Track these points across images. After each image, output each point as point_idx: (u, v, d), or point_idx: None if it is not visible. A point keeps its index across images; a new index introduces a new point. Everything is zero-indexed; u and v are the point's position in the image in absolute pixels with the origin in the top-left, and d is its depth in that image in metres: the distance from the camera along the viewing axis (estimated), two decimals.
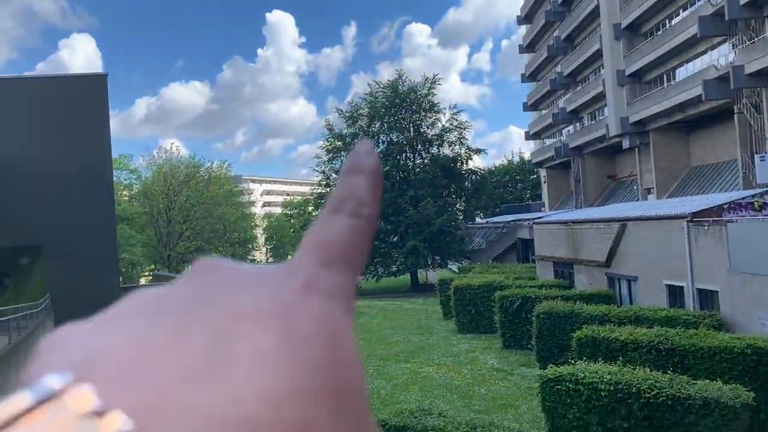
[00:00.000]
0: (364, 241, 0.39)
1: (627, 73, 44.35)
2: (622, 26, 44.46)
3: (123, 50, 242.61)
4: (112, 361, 0.29)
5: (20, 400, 0.26)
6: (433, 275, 58.54)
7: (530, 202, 76.98)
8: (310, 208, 75.34)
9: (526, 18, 70.37)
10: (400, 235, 54.29)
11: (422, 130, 57.79)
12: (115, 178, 58.85)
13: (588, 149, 54.56)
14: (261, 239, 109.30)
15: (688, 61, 39.02)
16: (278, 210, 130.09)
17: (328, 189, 60.08)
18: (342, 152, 58.97)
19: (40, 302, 13.96)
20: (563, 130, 62.44)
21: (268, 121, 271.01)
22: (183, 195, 73.08)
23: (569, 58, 55.94)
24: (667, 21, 40.79)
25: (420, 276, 61.12)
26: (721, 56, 34.91)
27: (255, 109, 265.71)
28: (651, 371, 12.43)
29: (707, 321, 17.54)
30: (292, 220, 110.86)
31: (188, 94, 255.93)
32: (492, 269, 38.33)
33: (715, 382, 11.68)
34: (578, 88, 55.67)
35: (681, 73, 39.86)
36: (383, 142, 58.51)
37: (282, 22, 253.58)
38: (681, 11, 38.86)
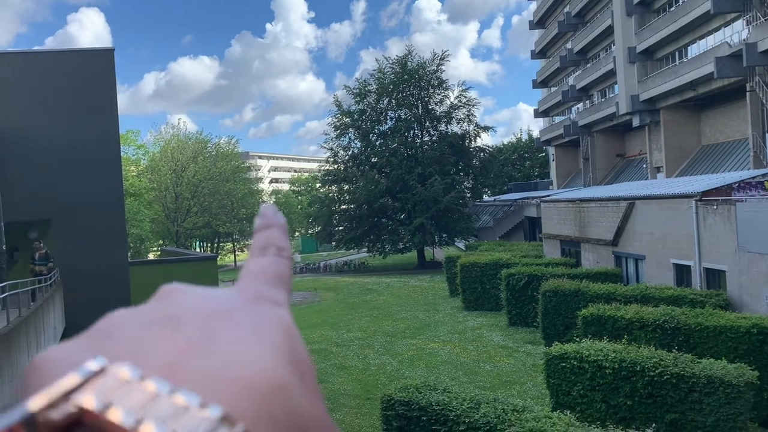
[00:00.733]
0: (288, 271, 0.49)
1: (638, 50, 43.80)
2: (635, 2, 43.81)
3: (132, 25, 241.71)
4: (122, 350, 0.36)
5: (70, 379, 0.30)
6: (440, 253, 58.68)
7: (538, 180, 76.69)
8: (318, 185, 75.37)
9: None
10: (407, 212, 54.28)
11: (430, 107, 57.43)
12: (122, 154, 58.97)
13: (597, 127, 54.14)
14: None
15: (700, 38, 38.47)
16: (286, 186, 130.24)
17: (336, 166, 60.00)
18: (350, 129, 58.80)
19: (49, 276, 14.11)
20: (573, 108, 61.93)
21: (277, 97, 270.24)
22: (190, 171, 73.19)
23: (580, 35, 55.26)
24: None
25: (427, 253, 61.24)
26: (735, 33, 34.39)
27: (263, 84, 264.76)
28: (656, 350, 12.47)
29: (714, 300, 17.53)
30: (299, 197, 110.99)
31: (197, 69, 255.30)
32: (499, 247, 38.37)
33: (719, 360, 11.71)
34: (589, 65, 55.05)
35: (693, 51, 39.34)
36: (391, 119, 58.24)
37: None
38: None
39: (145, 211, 63.91)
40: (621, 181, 48.38)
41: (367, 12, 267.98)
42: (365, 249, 60.68)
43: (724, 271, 18.90)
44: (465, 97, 58.26)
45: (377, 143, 57.85)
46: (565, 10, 58.49)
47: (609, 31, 48.31)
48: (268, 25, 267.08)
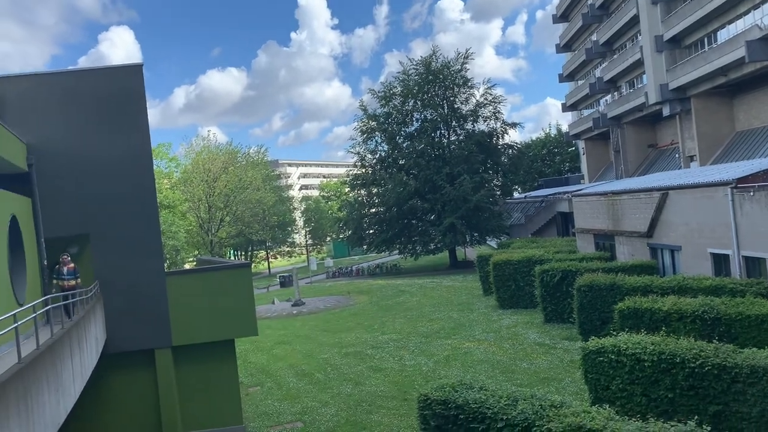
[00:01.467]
0: None
1: (665, 38, 43.02)
2: None
3: (161, 41, 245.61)
4: None
5: None
6: (471, 252, 58.37)
7: (569, 174, 75.80)
8: (347, 189, 75.68)
9: None
10: (437, 212, 54.16)
11: (456, 106, 57.26)
12: (155, 167, 59.99)
13: (627, 118, 53.32)
14: (300, 222, 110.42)
15: (729, 23, 37.60)
16: (315, 192, 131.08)
17: (364, 170, 60.21)
18: (376, 132, 58.96)
19: (90, 289, 14.45)
20: (601, 100, 61.10)
21: (304, 105, 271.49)
22: (222, 181, 74.20)
23: (605, 26, 54.50)
24: None
25: (458, 253, 60.99)
26: (765, 15, 33.56)
27: (291, 93, 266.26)
28: (696, 341, 12.24)
29: (755, 289, 17.11)
30: (329, 202, 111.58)
31: (225, 81, 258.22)
32: (531, 244, 38.04)
33: (763, 350, 11.44)
34: (615, 56, 54.25)
35: (722, 35, 38.47)
36: (417, 120, 58.24)
37: (314, 4, 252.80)
38: None
39: (179, 223, 64.98)
40: (653, 171, 47.55)
41: (390, 15, 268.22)
42: (397, 251, 60.70)
43: (764, 259, 18.46)
44: (491, 94, 58.00)
45: (404, 145, 57.91)
46: (589, 2, 57.77)
47: (634, 20, 47.57)
48: (293, 34, 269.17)
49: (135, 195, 16.60)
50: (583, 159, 68.04)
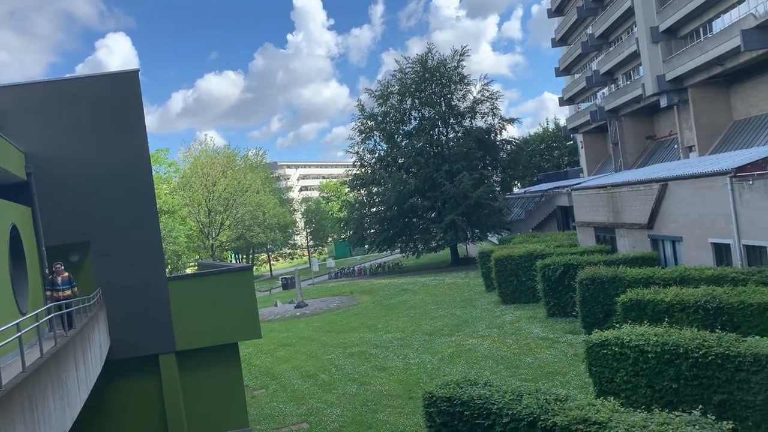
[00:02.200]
0: None
1: (661, 29, 42.98)
2: None
3: (158, 47, 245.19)
4: None
5: None
6: (473, 248, 58.40)
7: (568, 168, 75.81)
8: (346, 190, 75.69)
9: None
10: (438, 210, 54.16)
11: (453, 104, 57.24)
12: (154, 172, 59.98)
13: (624, 111, 53.29)
14: (300, 223, 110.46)
15: (724, 12, 37.56)
16: (315, 194, 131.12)
17: (363, 169, 60.21)
18: (374, 131, 58.96)
19: (92, 296, 14.47)
20: (598, 93, 61.05)
21: (302, 106, 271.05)
22: (221, 185, 74.24)
23: (600, 19, 54.44)
24: None
25: (460, 250, 61.00)
26: (760, 4, 33.53)
27: (288, 94, 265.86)
28: (699, 331, 12.25)
29: (756, 277, 17.11)
30: (329, 203, 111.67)
31: (223, 85, 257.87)
32: (532, 239, 38.05)
33: (765, 338, 11.45)
34: (611, 48, 54.19)
35: (718, 25, 38.43)
36: (415, 118, 58.24)
37: (309, 6, 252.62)
38: None
39: (179, 227, 65.02)
40: (652, 163, 47.54)
41: (386, 14, 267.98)
42: (398, 250, 60.71)
43: (764, 248, 18.46)
44: (488, 90, 57.99)
45: (403, 144, 57.91)
46: None
47: (629, 12, 47.52)
48: (289, 36, 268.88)
49: (135, 201, 16.63)
50: (582, 152, 68.01)
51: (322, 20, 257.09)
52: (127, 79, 16.89)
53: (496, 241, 48.28)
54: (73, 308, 12.13)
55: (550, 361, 19.49)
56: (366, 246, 61.96)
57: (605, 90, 58.28)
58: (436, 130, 56.95)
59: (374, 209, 59.46)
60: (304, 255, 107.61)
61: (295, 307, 41.34)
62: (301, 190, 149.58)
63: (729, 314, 14.42)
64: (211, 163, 75.24)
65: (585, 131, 64.54)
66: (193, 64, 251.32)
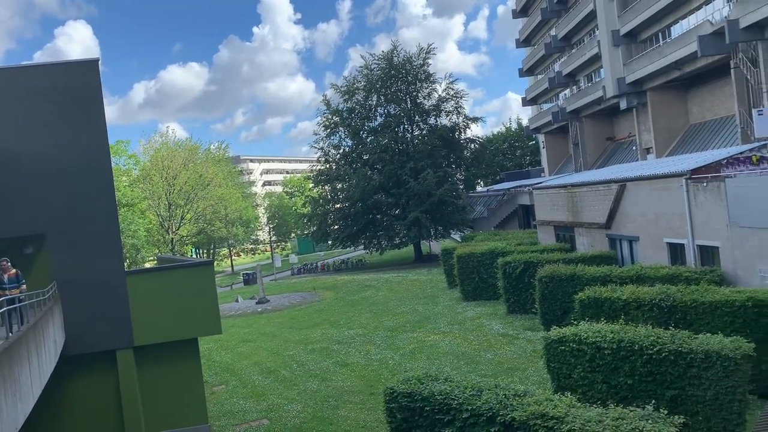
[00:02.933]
0: None
1: (622, 32, 43.87)
2: None
3: (120, 36, 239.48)
4: None
5: None
6: (436, 246, 58.75)
7: (530, 168, 76.85)
8: (310, 185, 75.33)
9: None
10: (402, 207, 54.31)
11: (419, 101, 57.43)
12: (113, 164, 58.53)
13: (586, 112, 54.27)
14: (263, 218, 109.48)
15: (683, 18, 38.55)
16: (279, 189, 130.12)
17: (328, 165, 60.00)
18: (340, 127, 58.80)
19: (47, 289, 14.10)
20: (560, 94, 62.04)
21: (267, 100, 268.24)
22: (182, 178, 73.03)
23: (563, 21, 55.30)
24: None
25: (423, 247, 61.28)
26: (716, 11, 34.51)
27: (253, 88, 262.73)
28: (653, 328, 12.59)
29: (708, 277, 17.68)
30: (293, 198, 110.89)
31: (186, 77, 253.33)
32: (494, 236, 38.49)
33: (716, 335, 11.83)
34: (573, 50, 55.10)
35: (676, 30, 39.43)
36: (380, 115, 58.24)
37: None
38: None
39: (139, 221, 63.79)
40: (612, 164, 48.55)
41: (354, 10, 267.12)
42: (362, 246, 60.71)
43: (717, 248, 19.05)
44: (452, 89, 58.35)
45: (368, 140, 57.88)
46: None
47: (592, 15, 48.38)
48: (255, 29, 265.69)
49: (93, 193, 16.25)
50: (543, 152, 69.02)
51: (288, 14, 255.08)
52: (87, 68, 16.48)
53: (459, 239, 48.69)
54: (20, 304, 11.52)
55: (509, 357, 19.77)
56: (329, 242, 61.71)
57: (567, 91, 59.25)
58: (402, 127, 57.08)
59: (338, 205, 59.32)
60: (266, 251, 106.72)
61: (257, 303, 41.00)
62: (264, 184, 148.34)
63: (682, 312, 14.85)
64: (172, 155, 73.95)
65: (547, 131, 65.51)
66: (156, 54, 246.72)
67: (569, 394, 9.88)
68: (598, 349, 12.41)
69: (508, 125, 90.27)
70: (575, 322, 14.19)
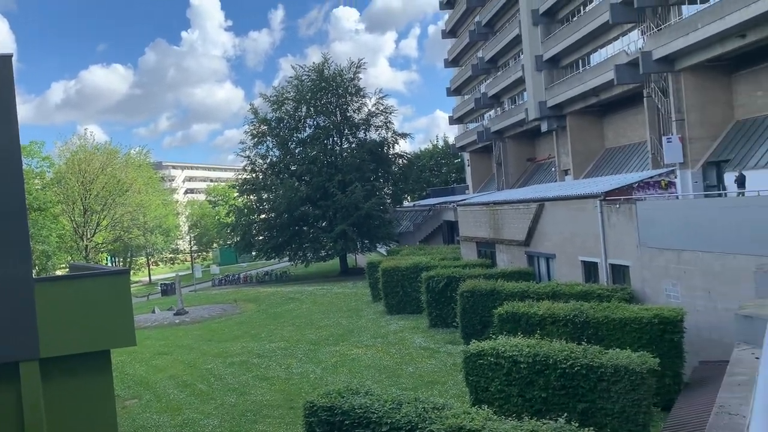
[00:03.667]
0: None
1: (545, 58, 45.70)
2: (540, 12, 45.68)
3: (39, 32, 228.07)
4: None
5: None
6: (362, 259, 58.89)
7: (455, 185, 78.42)
8: (235, 194, 74.00)
9: (448, 3, 71.11)
10: (329, 219, 54.19)
11: (349, 115, 57.69)
12: (25, 166, 55.43)
13: (509, 133, 56.01)
14: (185, 227, 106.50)
15: (601, 47, 40.58)
16: (202, 197, 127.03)
17: (254, 174, 59.18)
18: (267, 137, 58.19)
19: None
20: (485, 115, 63.80)
21: (193, 106, 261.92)
22: (99, 182, 70.06)
23: (490, 44, 57.05)
24: (582, 7, 42.22)
25: (349, 260, 61.28)
26: (632, 42, 36.51)
27: (179, 93, 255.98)
28: (567, 343, 13.07)
29: (619, 294, 18.53)
30: (216, 207, 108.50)
31: (110, 78, 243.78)
32: (419, 251, 38.95)
33: (625, 350, 12.40)
34: (499, 73, 56.90)
35: (595, 59, 41.44)
36: (310, 127, 58.12)
37: (207, 4, 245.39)
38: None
39: (51, 226, 60.68)
40: (532, 184, 50.27)
41: (286, 20, 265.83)
42: (287, 258, 60.06)
43: (627, 267, 20.02)
44: (382, 104, 58.97)
45: (296, 151, 57.56)
46: (476, 20, 60.25)
47: (517, 40, 50.15)
48: (183, 33, 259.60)
49: (0, 195, 15.35)
50: (468, 170, 70.67)
51: (219, 20, 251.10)
52: None
53: (385, 252, 49.01)
54: None
55: (430, 370, 19.99)
56: (253, 253, 60.71)
57: (492, 112, 61.02)
58: (331, 139, 57.10)
59: (264, 216, 58.55)
60: (186, 260, 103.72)
61: (175, 315, 39.73)
62: (187, 192, 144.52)
63: (594, 328, 15.48)
64: (90, 158, 70.89)
65: (472, 150, 67.15)
66: (78, 54, 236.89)
67: (486, 407, 10.08)
68: (515, 363, 12.74)
69: (436, 142, 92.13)
70: (494, 336, 14.53)
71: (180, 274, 50.26)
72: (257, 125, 58.26)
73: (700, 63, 30.23)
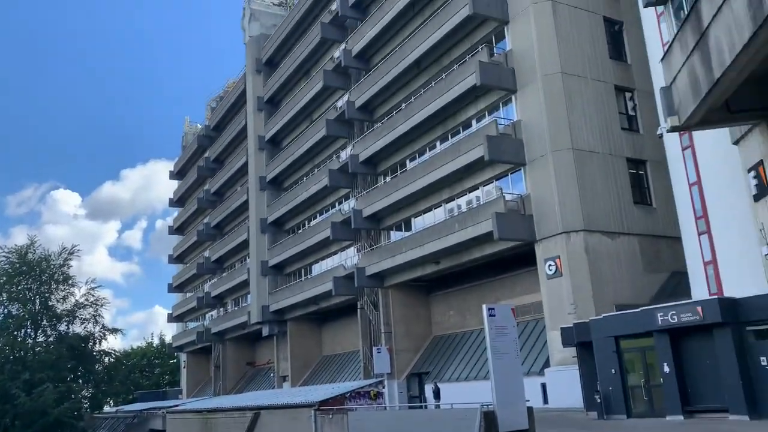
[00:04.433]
0: None
1: (270, 264, 47.35)
2: (268, 221, 48.18)
3: None
4: None
5: None
6: None
7: (168, 388, 72.73)
8: None
9: (178, 202, 71.60)
10: (4, 427, 45.10)
11: (51, 304, 51.47)
12: None
13: (230, 335, 54.99)
14: None
15: (323, 259, 43.61)
16: None
17: None
18: None
19: None
20: (207, 315, 62.28)
21: None
22: None
23: (218, 245, 57.69)
24: (306, 222, 45.65)
25: None
26: (349, 258, 39.94)
27: None
28: None
29: None
30: None
31: None
32: None
33: None
34: (224, 274, 57.08)
35: (317, 269, 44.16)
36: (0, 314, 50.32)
37: None
38: (318, 215, 44.08)
39: None
40: (251, 389, 48.88)
41: None
42: None
43: None
44: (93, 295, 54.09)
45: None
46: (205, 221, 61.10)
47: (245, 244, 51.60)
48: None
49: None
50: (184, 372, 66.56)
51: None
52: None
53: None
54: None
55: None
56: None
57: (214, 312, 59.90)
58: (23, 331, 49.78)
59: None
60: None
61: None
62: None
63: None
64: None
65: (190, 351, 64.04)
66: None
67: None
68: None
69: (151, 340, 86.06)
70: None
71: None
72: None
73: (405, 282, 34.04)
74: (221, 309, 58.27)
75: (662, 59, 15.17)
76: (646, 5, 15.99)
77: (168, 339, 77.47)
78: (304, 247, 42.90)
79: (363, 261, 35.26)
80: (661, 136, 20.17)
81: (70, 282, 52.73)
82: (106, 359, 54.88)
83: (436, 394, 28.05)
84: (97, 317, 53.67)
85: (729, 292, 18.19)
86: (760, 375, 16.12)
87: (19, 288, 50.26)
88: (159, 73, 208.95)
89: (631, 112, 27.58)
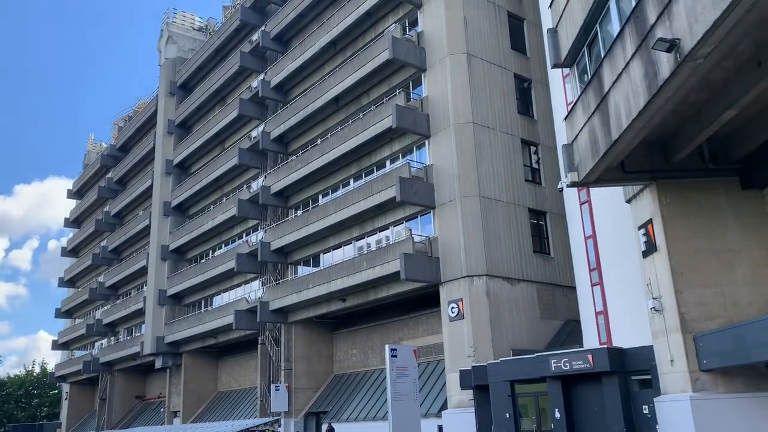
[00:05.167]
0: None
1: (169, 293, 45.36)
2: (170, 248, 46.32)
3: None
4: None
5: None
6: None
7: (45, 421, 67.57)
8: None
9: (75, 222, 67.79)
10: None
11: None
12: None
13: (120, 365, 51.98)
14: None
15: (225, 291, 42.27)
16: None
17: None
18: None
19: None
20: (96, 343, 58.68)
21: None
22: None
23: (114, 270, 54.81)
24: (211, 252, 44.26)
25: None
26: (253, 291, 38.96)
27: None
28: None
29: None
30: None
31: None
32: None
33: None
34: (119, 301, 54.17)
35: (218, 301, 42.71)
36: None
37: None
38: (223, 245, 42.88)
39: None
40: (138, 424, 46.19)
41: None
42: None
43: None
44: None
45: None
46: (102, 244, 58.06)
47: (143, 271, 49.30)
48: None
49: None
50: (65, 404, 62.07)
51: None
52: None
53: None
54: None
55: None
56: None
57: (105, 341, 56.56)
58: None
59: None
60: None
61: None
62: None
63: None
64: None
65: (74, 381, 59.96)
66: None
67: None
68: None
69: (31, 368, 79.75)
70: None
71: None
72: None
73: (310, 318, 33.56)
74: (112, 338, 55.08)
75: (566, 118, 16.07)
76: (554, 66, 16.93)
77: (51, 368, 72.20)
78: (207, 278, 41.51)
79: (268, 295, 34.51)
80: (561, 189, 21.21)
81: None
82: None
83: None
84: None
85: (618, 341, 19.15)
86: (642, 422, 16.95)
87: None
88: (67, 89, 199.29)
89: (534, 165, 28.88)
